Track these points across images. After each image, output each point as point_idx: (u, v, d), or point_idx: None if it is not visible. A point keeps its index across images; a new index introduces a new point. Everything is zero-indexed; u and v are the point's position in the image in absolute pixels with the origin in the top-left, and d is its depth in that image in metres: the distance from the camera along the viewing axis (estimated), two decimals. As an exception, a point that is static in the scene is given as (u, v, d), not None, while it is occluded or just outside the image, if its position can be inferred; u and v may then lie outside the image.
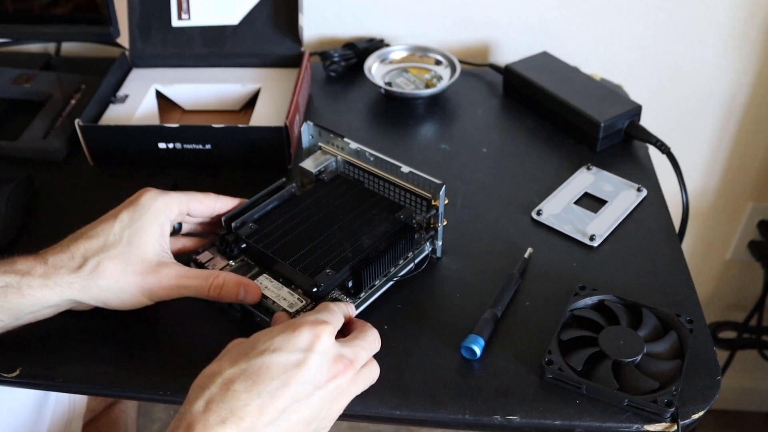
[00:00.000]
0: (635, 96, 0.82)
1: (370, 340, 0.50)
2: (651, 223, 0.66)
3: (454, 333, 0.55)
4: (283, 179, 0.64)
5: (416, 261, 0.61)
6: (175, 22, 0.83)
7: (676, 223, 0.69)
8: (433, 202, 0.59)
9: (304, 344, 0.45)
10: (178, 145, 0.72)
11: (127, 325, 0.57)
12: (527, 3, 0.91)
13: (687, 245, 1.13)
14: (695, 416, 0.50)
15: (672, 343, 0.53)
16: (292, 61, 0.83)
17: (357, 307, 0.56)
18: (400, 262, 0.60)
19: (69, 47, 0.97)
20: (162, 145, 0.72)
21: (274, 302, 0.55)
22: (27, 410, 0.68)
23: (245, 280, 0.55)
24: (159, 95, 0.82)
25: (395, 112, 0.83)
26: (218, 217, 0.59)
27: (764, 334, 1.19)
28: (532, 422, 0.50)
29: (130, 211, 0.53)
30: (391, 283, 0.59)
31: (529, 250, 0.62)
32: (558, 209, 0.68)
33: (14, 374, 0.54)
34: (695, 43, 0.92)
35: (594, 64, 0.91)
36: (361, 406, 0.51)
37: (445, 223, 0.60)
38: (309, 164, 0.65)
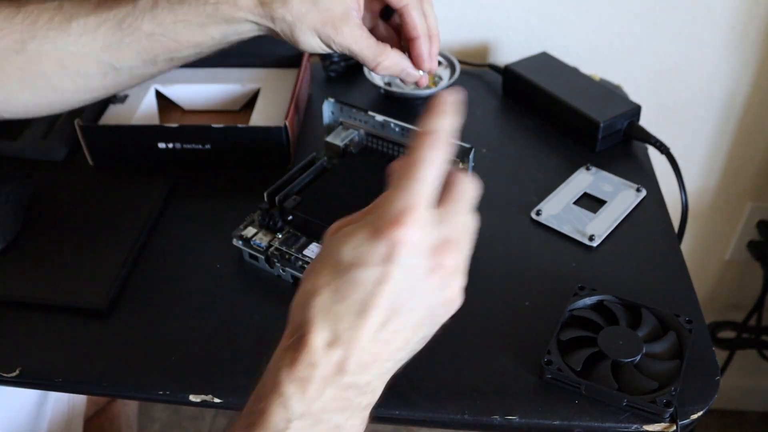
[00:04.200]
0: (635, 96, 0.82)
1: (467, 198, 0.44)
2: (650, 224, 0.66)
3: (453, 332, 0.55)
4: (314, 154, 0.66)
5: None
6: (175, 22, 0.83)
7: (676, 223, 0.69)
8: (461, 166, 0.61)
9: (382, 255, 0.38)
10: (178, 145, 0.72)
11: (126, 325, 0.58)
12: (527, 3, 0.91)
13: (686, 245, 1.13)
14: (694, 416, 0.50)
15: (671, 343, 0.53)
16: (292, 61, 0.83)
17: None
18: None
19: (69, 47, 0.97)
20: (162, 145, 0.72)
21: None
22: (26, 409, 0.68)
23: (408, 70, 0.59)
24: (159, 95, 0.82)
25: (395, 112, 0.82)
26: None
27: (763, 333, 1.19)
28: (531, 422, 0.50)
29: None
30: None
31: None
32: (557, 209, 0.68)
33: (14, 374, 0.54)
34: (694, 44, 0.92)
35: (593, 65, 0.91)
36: (361, 406, 0.51)
37: None
38: (335, 139, 0.67)
